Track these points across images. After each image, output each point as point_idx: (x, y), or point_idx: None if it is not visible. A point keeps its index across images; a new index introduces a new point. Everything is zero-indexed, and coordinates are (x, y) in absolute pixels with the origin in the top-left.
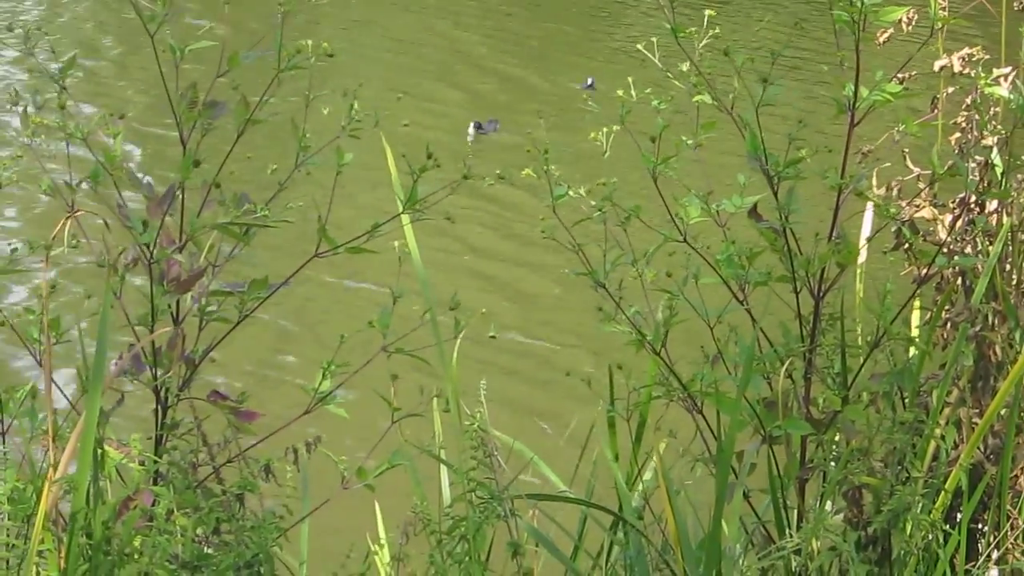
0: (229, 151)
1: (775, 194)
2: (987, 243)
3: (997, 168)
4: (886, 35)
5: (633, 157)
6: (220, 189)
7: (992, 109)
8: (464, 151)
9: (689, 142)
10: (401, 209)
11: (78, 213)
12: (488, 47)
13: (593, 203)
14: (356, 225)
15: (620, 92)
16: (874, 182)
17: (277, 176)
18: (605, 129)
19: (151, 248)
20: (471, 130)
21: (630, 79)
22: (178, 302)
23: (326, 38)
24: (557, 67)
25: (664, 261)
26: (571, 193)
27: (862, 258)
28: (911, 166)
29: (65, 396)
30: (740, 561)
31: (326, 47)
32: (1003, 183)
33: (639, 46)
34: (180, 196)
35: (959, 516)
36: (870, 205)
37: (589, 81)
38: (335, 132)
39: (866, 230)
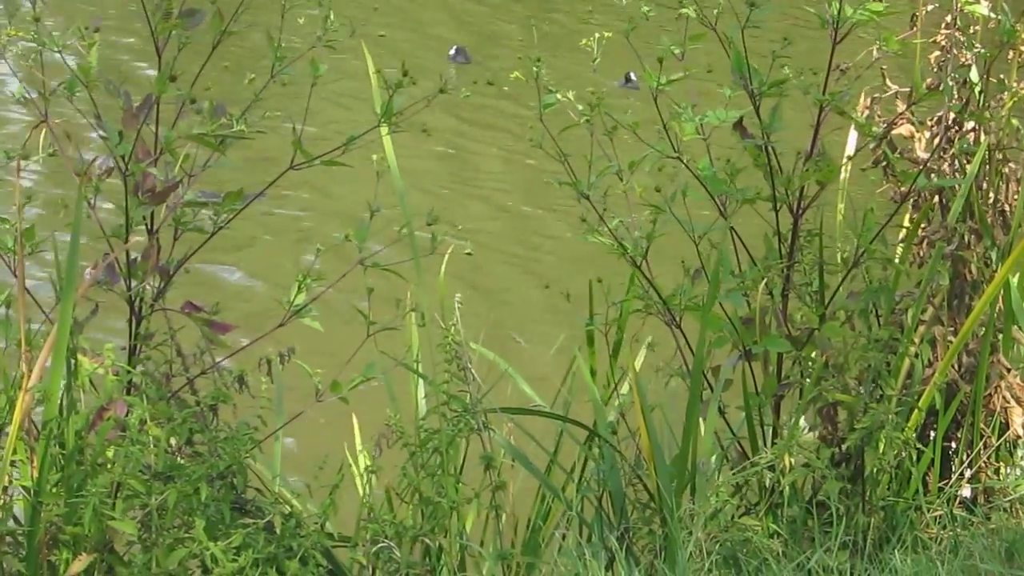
0: (204, 62)
1: (757, 112)
2: (964, 161)
3: (976, 87)
4: None
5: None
6: (195, 103)
7: (972, 28)
8: (445, 72)
9: (676, 51)
10: (379, 121)
11: (53, 122)
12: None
13: (580, 108)
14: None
15: None
16: (862, 101)
17: (275, 90)
18: (597, 35)
19: (126, 159)
20: (452, 49)
21: None
22: (152, 213)
23: None
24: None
25: (651, 177)
26: (560, 98)
27: (844, 175)
28: (889, 84)
29: (39, 306)
30: (715, 476)
31: None
32: (981, 102)
33: None
34: (156, 107)
35: (932, 434)
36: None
37: (632, 77)
38: (320, 55)
39: (850, 148)
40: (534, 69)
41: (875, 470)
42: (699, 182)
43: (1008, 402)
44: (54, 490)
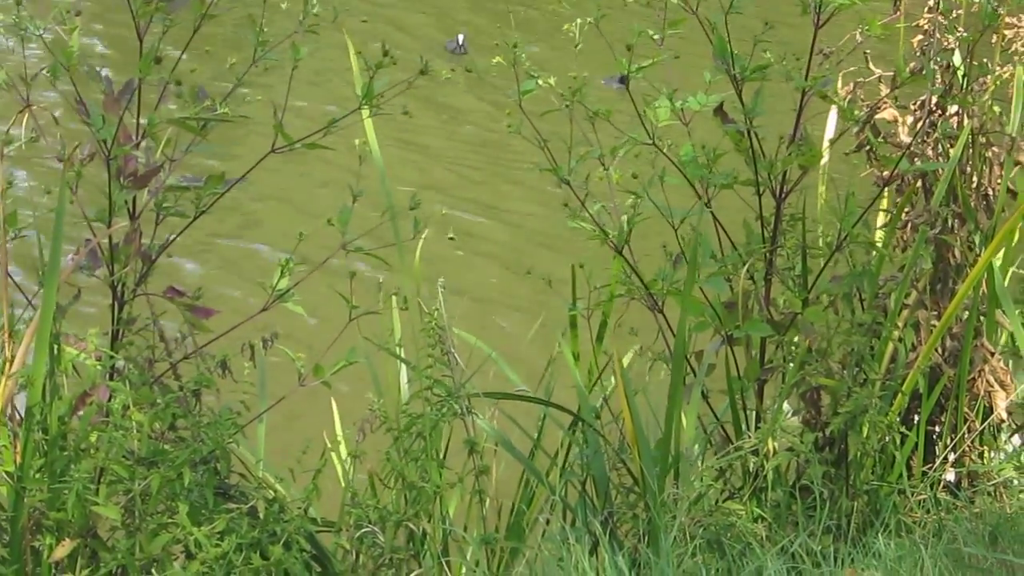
0: (186, 45)
1: (739, 95)
2: (947, 145)
3: (959, 71)
4: None
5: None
6: (180, 85)
7: (955, 12)
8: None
9: (655, 36)
10: (359, 104)
11: (34, 107)
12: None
13: (562, 93)
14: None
15: None
16: (839, 85)
17: (256, 74)
18: (579, 20)
19: (109, 144)
20: (460, 39)
21: None
22: (135, 198)
23: None
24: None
25: (630, 163)
26: (540, 83)
27: (824, 160)
28: (873, 68)
29: (21, 291)
30: (698, 461)
31: None
32: (964, 86)
33: None
34: (138, 92)
35: (916, 418)
36: (834, 107)
37: (615, 82)
38: (304, 36)
39: (830, 132)
40: (513, 55)
41: (859, 454)
42: (677, 168)
43: (992, 386)
44: (37, 476)
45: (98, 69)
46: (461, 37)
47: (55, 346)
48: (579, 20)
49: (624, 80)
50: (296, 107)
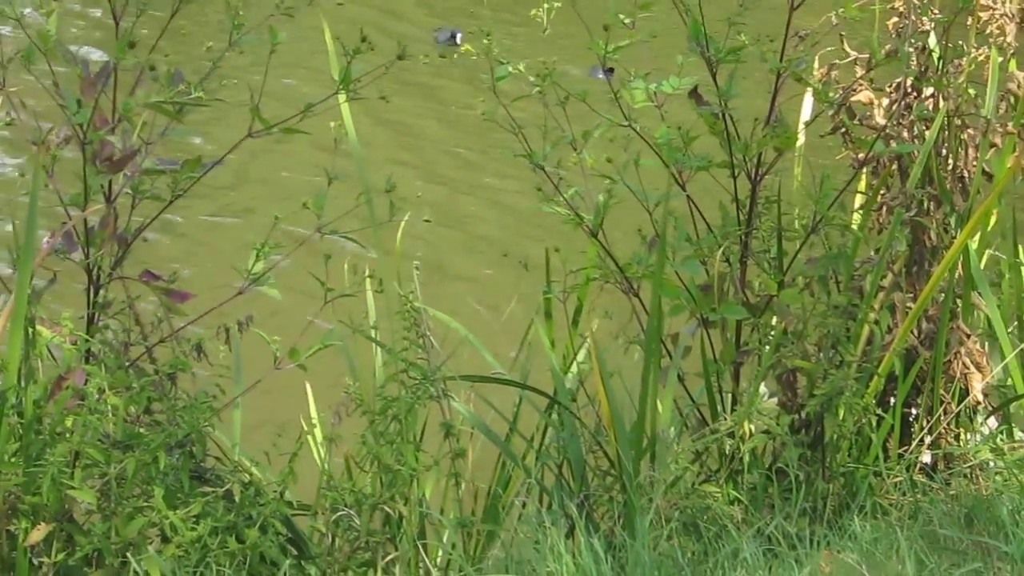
0: (164, 28)
1: (714, 78)
2: (923, 128)
3: (934, 53)
4: None
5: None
6: (154, 70)
7: None
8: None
9: (626, 20)
10: (337, 88)
11: (11, 90)
12: None
13: (532, 78)
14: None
15: None
16: (816, 66)
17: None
18: (546, 5)
19: (84, 128)
20: (458, 35)
21: None
22: (111, 181)
23: None
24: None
25: (604, 146)
26: (511, 69)
27: (800, 142)
28: (848, 50)
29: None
30: (674, 443)
31: None
32: (939, 68)
33: None
34: (114, 75)
35: (892, 400)
36: (810, 89)
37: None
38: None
39: (805, 114)
40: (486, 42)
41: (835, 436)
42: (653, 151)
43: (968, 368)
44: (12, 460)
45: (76, 49)
46: (459, 35)
47: (30, 329)
48: (547, 4)
49: (610, 71)
50: (300, 90)
